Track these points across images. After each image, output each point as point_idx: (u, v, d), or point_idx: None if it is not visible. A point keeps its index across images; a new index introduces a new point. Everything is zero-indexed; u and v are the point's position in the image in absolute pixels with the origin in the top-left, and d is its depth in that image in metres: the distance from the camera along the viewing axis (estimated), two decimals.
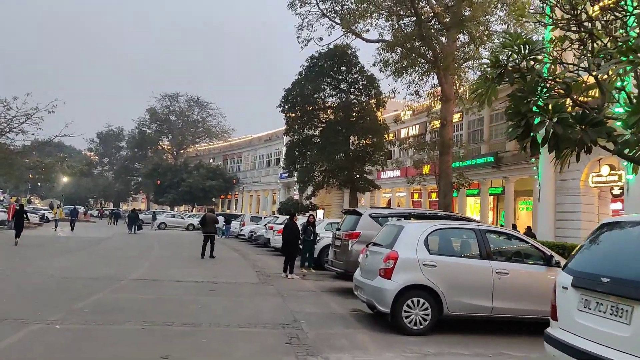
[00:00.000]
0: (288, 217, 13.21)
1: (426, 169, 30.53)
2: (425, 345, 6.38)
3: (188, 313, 7.71)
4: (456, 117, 29.11)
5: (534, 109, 5.03)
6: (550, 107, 4.80)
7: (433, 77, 24.08)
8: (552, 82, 5.42)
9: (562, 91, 5.27)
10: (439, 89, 26.82)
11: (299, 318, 7.57)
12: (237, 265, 15.68)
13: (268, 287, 10.94)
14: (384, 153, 30.55)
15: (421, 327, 6.84)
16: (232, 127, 66.65)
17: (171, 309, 7.93)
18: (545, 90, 5.21)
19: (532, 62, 5.19)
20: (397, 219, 9.86)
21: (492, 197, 30.13)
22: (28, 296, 8.58)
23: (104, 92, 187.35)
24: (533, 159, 19.33)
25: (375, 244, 7.70)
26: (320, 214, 38.09)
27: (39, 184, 63.75)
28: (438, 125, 34.13)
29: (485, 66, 6.48)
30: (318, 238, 14.58)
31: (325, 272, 14.04)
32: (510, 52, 5.10)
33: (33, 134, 35.81)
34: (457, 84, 23.67)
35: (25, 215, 20.47)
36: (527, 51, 4.94)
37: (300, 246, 13.71)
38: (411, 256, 6.93)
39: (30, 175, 48.04)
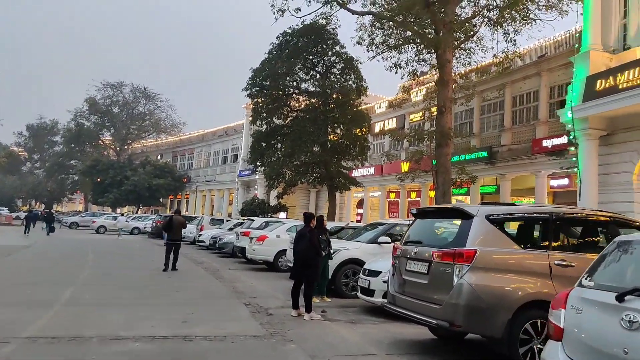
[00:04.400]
0: (304, 220, 8.07)
1: (405, 166, 26.37)
2: None
3: None
4: None
5: None
6: None
7: (431, 57, 19.90)
8: None
9: None
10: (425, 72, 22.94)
11: None
12: (211, 291, 10.35)
13: (287, 348, 5.87)
14: (364, 147, 25.98)
15: None
16: (182, 121, 59.70)
17: None
18: None
19: None
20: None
21: (480, 196, 26.31)
22: None
23: (38, 81, 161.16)
24: (572, 148, 15.36)
25: None
26: (282, 216, 32.85)
27: None
28: (417, 119, 30.31)
29: None
30: (332, 251, 9.63)
31: (350, 304, 9.12)
32: None
33: None
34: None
35: None
36: None
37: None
38: None
39: None
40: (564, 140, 19.43)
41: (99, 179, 48.28)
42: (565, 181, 20.51)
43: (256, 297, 9.36)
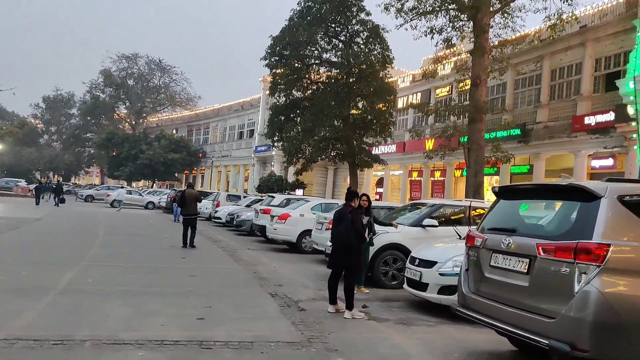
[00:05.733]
0: (346, 199, 6.56)
1: (429, 144, 24.64)
2: None
3: None
4: None
5: None
6: None
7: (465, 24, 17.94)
8: None
9: None
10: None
11: None
12: (230, 276, 9.01)
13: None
14: (388, 121, 24.22)
15: None
16: (198, 95, 58.08)
17: None
18: None
19: None
20: None
21: (510, 176, 24.48)
22: None
23: (55, 53, 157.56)
24: (633, 123, 13.62)
25: None
26: (298, 193, 31.46)
27: None
28: (444, 93, 28.39)
29: None
30: (374, 235, 8.18)
31: (392, 296, 7.71)
32: None
33: None
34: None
35: None
36: None
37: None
38: None
39: None
40: (610, 117, 17.61)
41: (114, 152, 47.37)
42: (610, 162, 18.73)
43: (282, 285, 8.00)
